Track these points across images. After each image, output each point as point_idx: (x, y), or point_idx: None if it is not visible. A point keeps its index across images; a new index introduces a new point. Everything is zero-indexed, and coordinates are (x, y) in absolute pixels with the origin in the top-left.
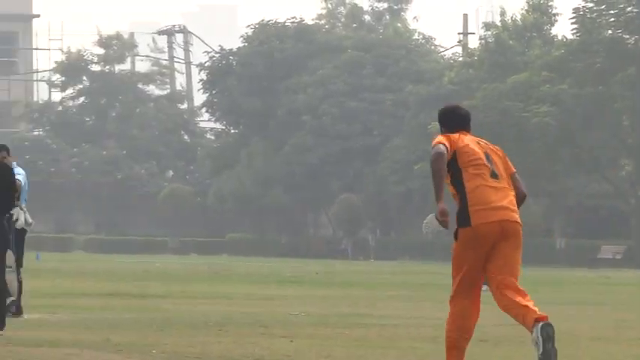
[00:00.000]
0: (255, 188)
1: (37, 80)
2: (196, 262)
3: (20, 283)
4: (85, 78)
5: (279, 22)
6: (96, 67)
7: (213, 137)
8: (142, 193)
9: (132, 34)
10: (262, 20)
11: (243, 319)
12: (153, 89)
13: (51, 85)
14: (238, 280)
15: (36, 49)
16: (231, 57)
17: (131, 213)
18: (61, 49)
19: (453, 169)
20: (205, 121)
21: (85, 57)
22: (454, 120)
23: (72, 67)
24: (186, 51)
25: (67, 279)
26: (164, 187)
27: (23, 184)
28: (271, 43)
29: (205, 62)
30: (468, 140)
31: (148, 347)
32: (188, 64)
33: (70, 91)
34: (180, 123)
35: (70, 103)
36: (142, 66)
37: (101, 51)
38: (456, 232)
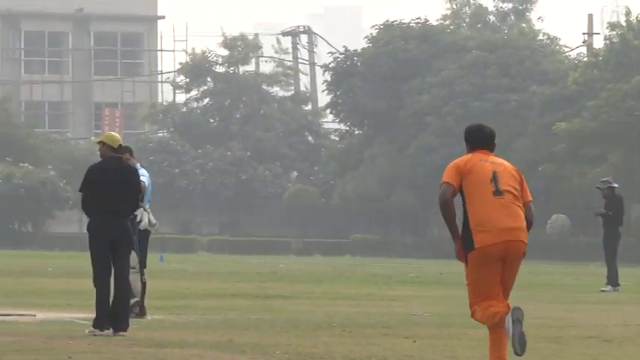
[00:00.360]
0: (379, 189)
1: (161, 82)
2: (320, 262)
3: (144, 284)
4: (209, 79)
5: (403, 23)
6: (220, 69)
7: (337, 138)
8: (266, 194)
9: (256, 35)
10: (387, 21)
11: (366, 319)
12: (277, 90)
13: (175, 86)
14: (362, 280)
15: (161, 50)
16: (355, 58)
17: (255, 214)
18: (185, 51)
19: (461, 195)
20: (329, 122)
21: (209, 58)
22: (478, 139)
23: (196, 69)
24: (311, 52)
25: (190, 280)
26: (288, 188)
27: (147, 185)
28: (396, 44)
29: (330, 63)
30: (477, 161)
31: (272, 348)
32: (312, 65)
33: (194, 93)
34: (305, 124)
35: (195, 104)
36: (266, 67)
37: (225, 52)
38: (466, 257)
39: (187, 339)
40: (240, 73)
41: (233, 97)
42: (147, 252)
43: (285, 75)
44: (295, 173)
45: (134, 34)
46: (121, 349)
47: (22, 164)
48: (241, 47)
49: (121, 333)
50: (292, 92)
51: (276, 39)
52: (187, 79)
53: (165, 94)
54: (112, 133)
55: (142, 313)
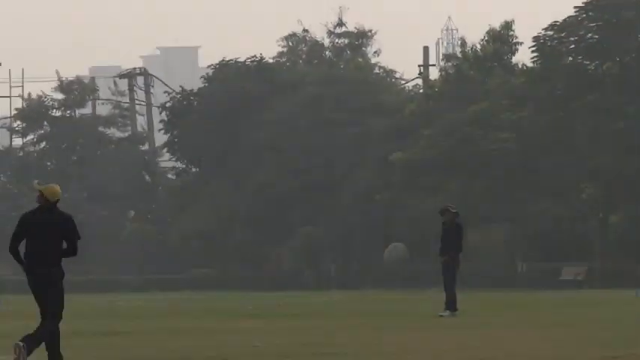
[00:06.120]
0: (217, 225)
1: None
2: (159, 298)
3: None
4: (45, 123)
5: (239, 62)
6: (57, 112)
7: (174, 177)
8: (104, 234)
9: (92, 79)
10: (222, 60)
11: (207, 352)
12: (114, 132)
13: (12, 131)
14: (201, 314)
15: None
16: (192, 97)
17: (94, 254)
18: (21, 96)
19: None
20: (166, 160)
21: (45, 103)
22: None
23: (32, 113)
24: (147, 93)
25: (27, 319)
26: (126, 228)
27: None
28: (232, 82)
29: (166, 103)
30: None
31: None
32: (149, 105)
33: (30, 137)
34: (142, 163)
35: (32, 148)
36: (103, 109)
37: (61, 96)
38: None
39: None
40: (77, 116)
41: (70, 140)
42: None
43: (122, 116)
44: (132, 212)
45: None
46: None
47: None
48: (77, 91)
49: None
50: (129, 133)
51: (113, 81)
52: (24, 124)
53: (2, 139)
54: None
55: None
